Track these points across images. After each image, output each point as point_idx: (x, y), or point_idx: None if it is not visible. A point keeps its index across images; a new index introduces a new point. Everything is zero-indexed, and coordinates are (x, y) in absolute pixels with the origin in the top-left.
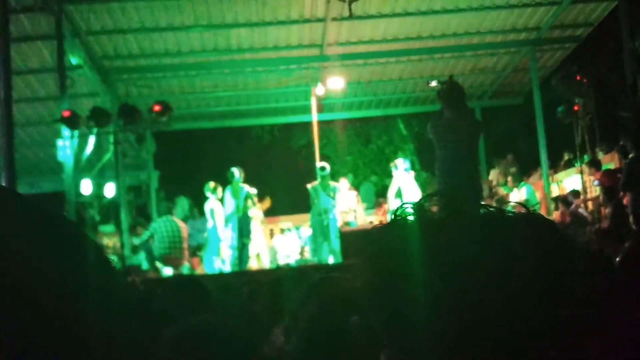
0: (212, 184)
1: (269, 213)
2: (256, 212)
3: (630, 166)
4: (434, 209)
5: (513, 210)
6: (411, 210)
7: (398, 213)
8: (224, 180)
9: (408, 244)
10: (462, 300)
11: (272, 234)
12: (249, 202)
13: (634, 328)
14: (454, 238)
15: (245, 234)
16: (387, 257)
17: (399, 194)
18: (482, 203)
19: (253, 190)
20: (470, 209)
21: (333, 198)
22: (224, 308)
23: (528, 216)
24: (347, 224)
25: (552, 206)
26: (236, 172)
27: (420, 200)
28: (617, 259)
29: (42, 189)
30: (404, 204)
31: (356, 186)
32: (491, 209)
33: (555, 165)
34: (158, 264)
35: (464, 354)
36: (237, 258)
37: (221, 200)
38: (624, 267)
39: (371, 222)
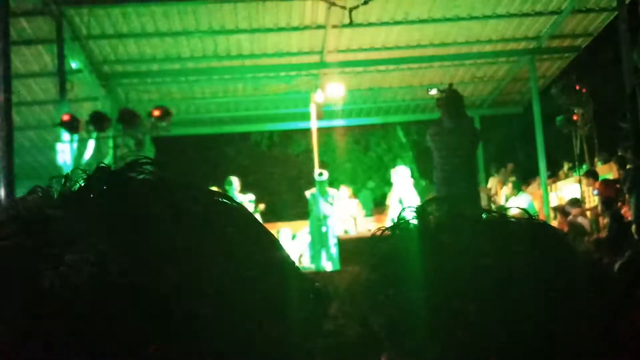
0: (214, 189)
1: (267, 219)
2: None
3: (635, 173)
4: (436, 213)
5: (516, 217)
6: (414, 215)
7: (400, 217)
8: (222, 188)
9: (411, 248)
10: (465, 306)
11: None
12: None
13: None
14: (457, 243)
15: None
16: (390, 260)
17: (399, 202)
18: (484, 209)
19: (251, 197)
20: (472, 215)
21: (331, 204)
22: None
23: (532, 223)
24: (346, 231)
25: (551, 215)
26: (235, 181)
27: (423, 204)
28: (616, 268)
29: None
30: (405, 208)
31: (354, 193)
32: (494, 214)
33: (554, 175)
34: None
35: None
36: None
37: None
38: (623, 276)
39: (369, 230)
